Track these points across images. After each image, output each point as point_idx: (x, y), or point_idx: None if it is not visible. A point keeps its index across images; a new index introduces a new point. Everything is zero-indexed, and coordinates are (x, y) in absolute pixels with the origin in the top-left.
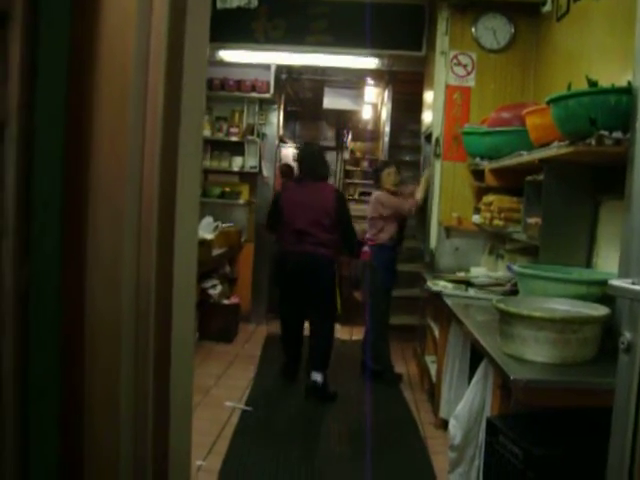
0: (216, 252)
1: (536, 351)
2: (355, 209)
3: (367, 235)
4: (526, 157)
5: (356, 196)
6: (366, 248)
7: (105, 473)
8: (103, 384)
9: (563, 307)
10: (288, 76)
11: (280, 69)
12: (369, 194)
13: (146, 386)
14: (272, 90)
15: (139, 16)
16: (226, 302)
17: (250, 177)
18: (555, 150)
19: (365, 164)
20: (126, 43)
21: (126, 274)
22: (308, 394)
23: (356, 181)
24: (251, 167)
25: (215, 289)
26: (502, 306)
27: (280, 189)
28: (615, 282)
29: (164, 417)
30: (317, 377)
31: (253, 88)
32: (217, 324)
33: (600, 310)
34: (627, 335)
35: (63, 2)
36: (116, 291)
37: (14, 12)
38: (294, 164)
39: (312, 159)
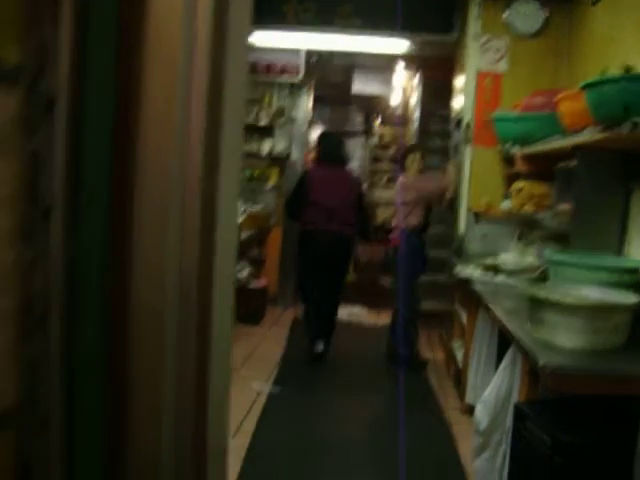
0: (244, 235)
1: (566, 337)
2: (384, 196)
3: (394, 222)
4: (559, 143)
5: (385, 182)
6: (395, 234)
7: (147, 458)
8: (146, 371)
9: (594, 294)
10: (318, 60)
11: (310, 53)
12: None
13: (186, 372)
14: (302, 74)
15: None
16: (254, 285)
17: (279, 161)
18: (589, 136)
19: (394, 149)
20: (173, 29)
21: (169, 264)
22: (312, 360)
23: (385, 167)
24: (280, 151)
25: (243, 272)
26: (534, 291)
27: (304, 170)
28: None
29: (203, 402)
30: (320, 346)
31: (283, 72)
32: (245, 306)
33: (631, 298)
34: None
35: None
36: (160, 280)
37: None
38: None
39: (333, 144)
